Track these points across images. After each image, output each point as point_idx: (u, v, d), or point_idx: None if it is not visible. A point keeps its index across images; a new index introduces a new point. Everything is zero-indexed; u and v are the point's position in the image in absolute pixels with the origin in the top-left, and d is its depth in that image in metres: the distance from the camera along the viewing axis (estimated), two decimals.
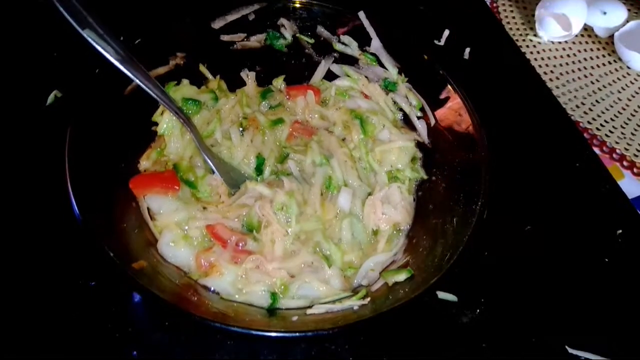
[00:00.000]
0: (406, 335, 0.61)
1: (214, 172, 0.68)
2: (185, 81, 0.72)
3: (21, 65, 0.80)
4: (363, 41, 0.75)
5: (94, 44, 0.59)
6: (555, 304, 0.67)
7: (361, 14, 0.72)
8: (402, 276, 0.59)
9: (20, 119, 0.74)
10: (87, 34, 0.59)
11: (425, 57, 0.71)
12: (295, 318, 0.56)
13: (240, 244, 0.62)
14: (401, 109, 0.76)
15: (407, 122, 0.75)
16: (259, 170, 0.70)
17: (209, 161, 0.67)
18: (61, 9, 0.58)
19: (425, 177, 0.72)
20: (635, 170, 0.87)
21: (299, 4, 0.74)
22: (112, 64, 0.60)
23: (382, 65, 0.75)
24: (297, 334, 0.50)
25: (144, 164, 0.68)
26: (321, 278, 0.61)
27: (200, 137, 0.68)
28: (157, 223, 0.64)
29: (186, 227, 0.63)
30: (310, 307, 0.58)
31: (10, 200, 0.66)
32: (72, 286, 0.61)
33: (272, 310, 0.59)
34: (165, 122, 0.68)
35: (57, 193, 0.57)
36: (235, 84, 0.77)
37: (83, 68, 0.65)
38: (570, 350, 0.63)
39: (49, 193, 0.63)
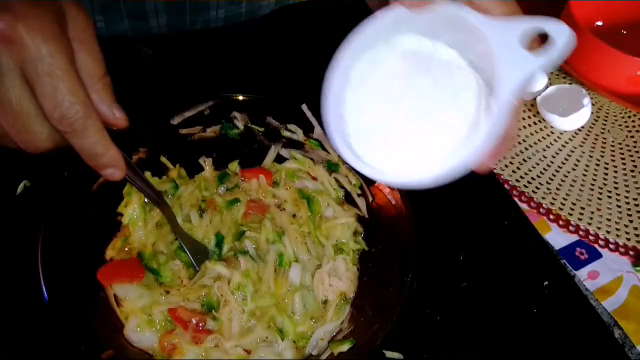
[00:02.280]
0: None
1: (184, 251, 0.74)
2: (147, 173, 0.80)
3: None
4: (307, 128, 0.84)
5: None
6: (491, 354, 0.75)
7: (304, 106, 0.83)
8: (345, 346, 0.67)
9: None
10: None
11: None
12: None
13: (200, 325, 0.68)
14: (343, 187, 0.85)
15: (349, 199, 0.84)
16: (219, 246, 0.78)
17: (180, 241, 0.74)
18: None
19: (366, 248, 0.80)
20: (560, 222, 0.97)
21: (249, 98, 0.84)
22: None
23: (324, 149, 0.85)
24: None
25: (110, 252, 0.74)
26: (275, 351, 0.68)
27: (174, 218, 0.75)
28: (123, 309, 0.70)
29: (151, 313, 0.69)
30: None
31: None
32: None
33: None
34: (129, 213, 0.75)
35: (28, 284, 0.62)
36: (195, 170, 0.85)
37: (51, 159, 0.72)
38: None
39: (19, 285, 0.68)
